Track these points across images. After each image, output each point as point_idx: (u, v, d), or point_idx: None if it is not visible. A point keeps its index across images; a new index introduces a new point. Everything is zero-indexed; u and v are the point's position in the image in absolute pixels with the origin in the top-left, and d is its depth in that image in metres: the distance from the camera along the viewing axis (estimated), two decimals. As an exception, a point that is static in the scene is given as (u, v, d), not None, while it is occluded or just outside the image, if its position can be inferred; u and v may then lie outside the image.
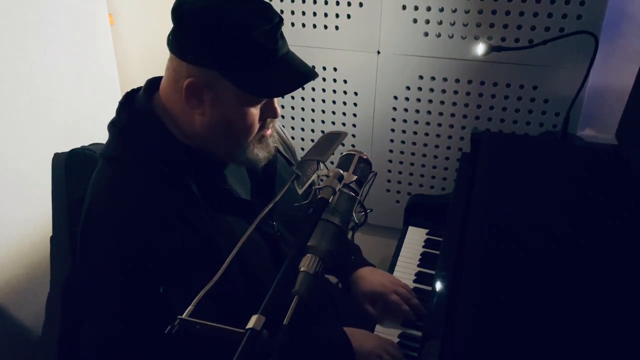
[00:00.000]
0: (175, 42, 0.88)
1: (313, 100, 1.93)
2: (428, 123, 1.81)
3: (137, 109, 0.93)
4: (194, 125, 0.91)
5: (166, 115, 0.93)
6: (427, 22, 1.66)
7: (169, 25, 0.90)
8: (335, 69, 1.84)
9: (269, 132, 0.98)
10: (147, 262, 0.84)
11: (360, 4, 1.71)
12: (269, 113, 0.95)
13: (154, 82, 0.97)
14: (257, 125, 0.94)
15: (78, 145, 1.10)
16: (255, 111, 0.91)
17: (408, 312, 1.20)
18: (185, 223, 0.88)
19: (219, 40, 0.85)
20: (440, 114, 1.78)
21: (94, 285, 0.89)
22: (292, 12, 1.80)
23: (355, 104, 1.88)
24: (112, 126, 0.94)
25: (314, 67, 1.85)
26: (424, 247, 1.49)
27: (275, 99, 0.94)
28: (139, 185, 0.88)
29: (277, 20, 0.88)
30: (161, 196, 0.88)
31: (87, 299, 0.92)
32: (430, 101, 1.77)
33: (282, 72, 0.90)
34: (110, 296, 0.86)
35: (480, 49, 1.53)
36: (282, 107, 1.93)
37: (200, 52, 0.86)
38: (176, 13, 0.88)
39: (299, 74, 0.92)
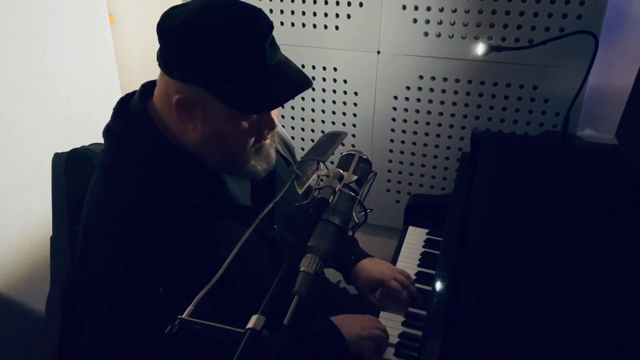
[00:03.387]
0: (161, 58, 0.87)
1: (313, 100, 1.93)
2: (428, 123, 1.81)
3: (132, 115, 0.92)
4: (188, 138, 0.90)
5: (161, 123, 0.92)
6: (427, 22, 1.66)
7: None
8: (335, 69, 1.84)
9: (267, 142, 0.96)
10: (146, 266, 0.84)
11: (360, 4, 1.71)
12: (265, 125, 0.92)
13: (148, 87, 0.95)
14: (251, 138, 0.91)
15: (78, 145, 1.10)
16: (246, 124, 0.89)
17: (405, 300, 1.24)
18: (184, 227, 0.87)
19: (201, 56, 0.83)
20: (440, 114, 1.78)
21: (94, 286, 0.89)
22: (292, 12, 1.80)
23: (355, 104, 1.88)
24: (108, 133, 0.93)
25: (314, 67, 1.85)
26: (424, 247, 1.49)
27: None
28: (136, 192, 0.88)
29: (265, 29, 0.84)
30: (159, 202, 0.87)
31: (87, 300, 0.92)
32: (430, 101, 1.77)
33: (271, 84, 0.86)
34: (110, 297, 0.86)
35: (480, 49, 1.53)
36: (282, 107, 1.92)
37: (184, 69, 0.84)
38: (160, 29, 0.86)
39: (290, 85, 0.88)
